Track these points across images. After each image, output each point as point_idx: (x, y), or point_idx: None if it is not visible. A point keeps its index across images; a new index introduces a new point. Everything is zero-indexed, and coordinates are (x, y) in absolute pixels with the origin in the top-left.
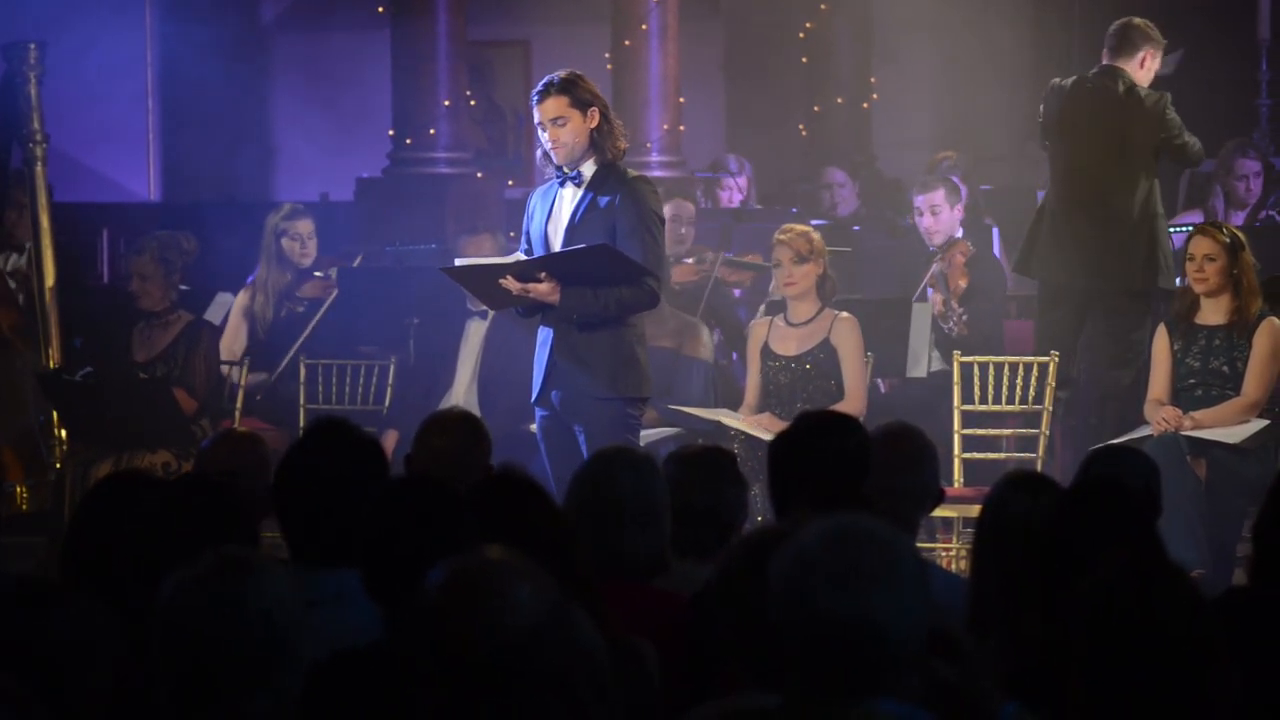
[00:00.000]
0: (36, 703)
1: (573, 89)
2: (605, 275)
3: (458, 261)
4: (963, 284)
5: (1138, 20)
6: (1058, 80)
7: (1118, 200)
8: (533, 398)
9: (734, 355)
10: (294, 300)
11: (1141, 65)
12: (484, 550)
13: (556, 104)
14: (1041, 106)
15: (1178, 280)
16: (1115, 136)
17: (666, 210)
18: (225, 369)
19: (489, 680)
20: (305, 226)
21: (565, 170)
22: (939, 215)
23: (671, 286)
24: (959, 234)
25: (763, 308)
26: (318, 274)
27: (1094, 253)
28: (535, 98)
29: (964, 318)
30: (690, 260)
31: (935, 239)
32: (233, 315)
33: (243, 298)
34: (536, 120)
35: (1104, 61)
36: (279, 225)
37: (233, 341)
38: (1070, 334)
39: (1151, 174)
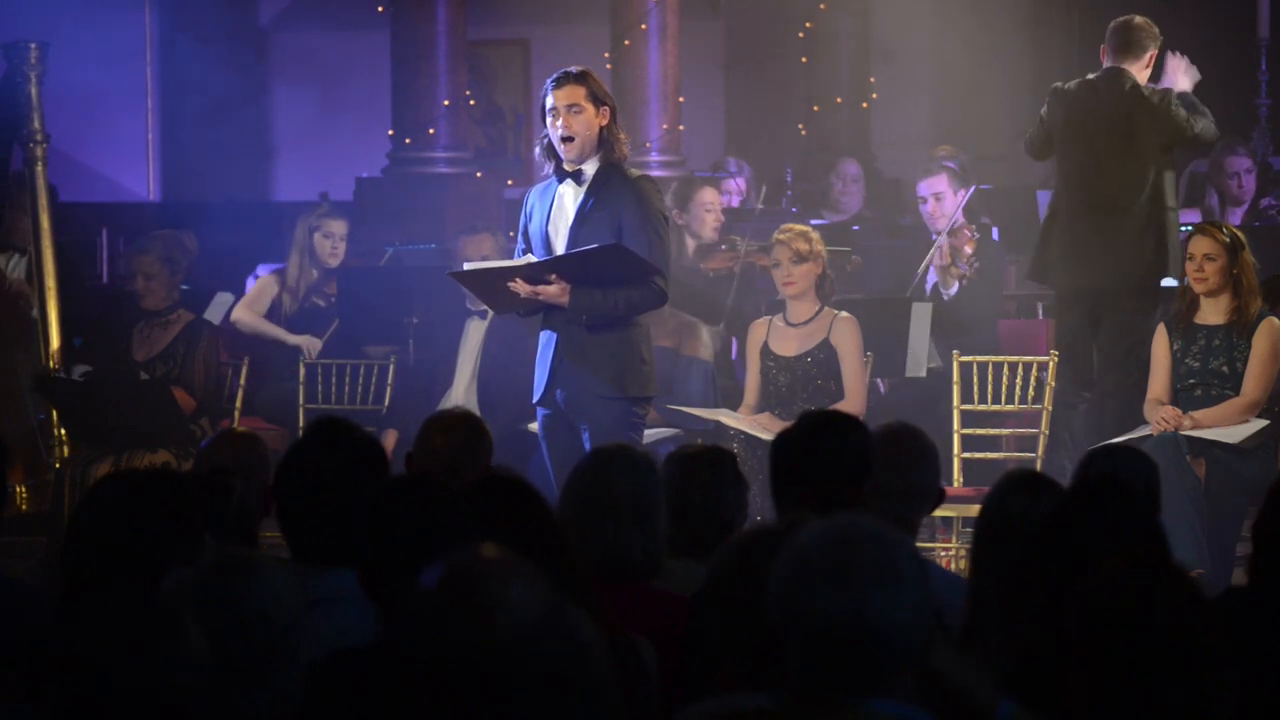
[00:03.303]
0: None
1: (589, 81)
2: (615, 275)
3: (466, 266)
4: (969, 249)
5: (1139, 20)
6: (1060, 84)
7: (1126, 200)
8: (536, 398)
9: (733, 353)
10: (322, 296)
11: (1147, 65)
12: (479, 549)
13: (574, 92)
14: (1043, 111)
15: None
16: (1123, 137)
17: (702, 197)
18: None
19: (486, 680)
20: (339, 226)
21: (567, 167)
22: (942, 201)
23: (706, 273)
24: (960, 220)
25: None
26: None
27: (1105, 255)
28: (551, 84)
29: (975, 264)
30: (724, 248)
31: (938, 223)
32: (264, 283)
33: (271, 280)
34: (550, 106)
35: (1107, 63)
36: (313, 222)
37: (256, 301)
38: (1086, 338)
39: (1162, 169)
